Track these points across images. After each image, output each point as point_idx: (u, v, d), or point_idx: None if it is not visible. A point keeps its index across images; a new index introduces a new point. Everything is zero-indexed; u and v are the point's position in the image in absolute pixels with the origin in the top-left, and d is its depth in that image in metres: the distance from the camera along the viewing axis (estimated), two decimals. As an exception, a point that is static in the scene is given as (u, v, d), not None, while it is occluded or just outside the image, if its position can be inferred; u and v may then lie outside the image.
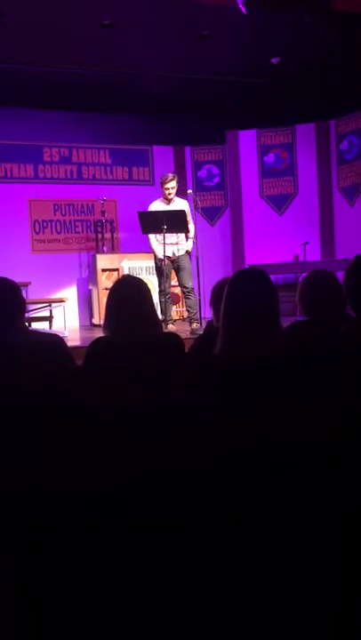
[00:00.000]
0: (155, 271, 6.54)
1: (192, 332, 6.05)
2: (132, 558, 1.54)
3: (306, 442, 1.58)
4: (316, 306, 2.55)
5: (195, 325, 6.23)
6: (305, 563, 1.51)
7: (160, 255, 6.20)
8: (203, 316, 6.30)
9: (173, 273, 6.45)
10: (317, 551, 1.52)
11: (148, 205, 6.52)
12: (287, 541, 1.51)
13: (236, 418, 1.59)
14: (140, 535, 1.54)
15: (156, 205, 6.34)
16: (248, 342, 1.77)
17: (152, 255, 6.99)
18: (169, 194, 6.23)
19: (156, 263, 6.37)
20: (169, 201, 6.29)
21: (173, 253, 6.25)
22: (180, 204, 6.27)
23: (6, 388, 2.05)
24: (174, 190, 6.27)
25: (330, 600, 1.49)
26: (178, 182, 6.40)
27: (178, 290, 7.13)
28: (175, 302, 7.70)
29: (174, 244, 6.24)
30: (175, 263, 6.27)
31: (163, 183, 6.27)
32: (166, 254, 6.15)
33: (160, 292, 6.29)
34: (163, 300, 6.26)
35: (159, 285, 6.30)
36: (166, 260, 6.18)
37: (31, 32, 6.31)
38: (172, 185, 6.23)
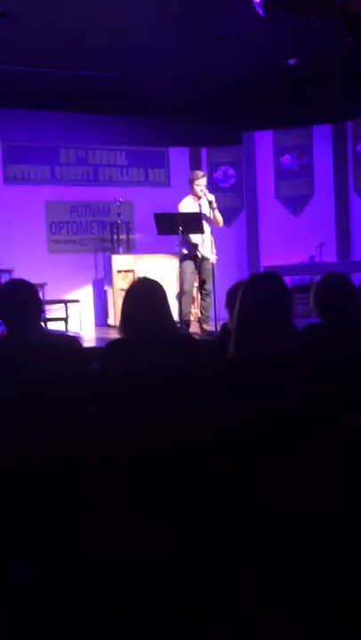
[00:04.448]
0: (176, 271, 6.55)
1: (208, 333, 6.07)
2: (141, 557, 1.55)
3: (321, 442, 1.59)
4: (328, 309, 2.54)
5: (206, 327, 6.26)
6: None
7: (196, 241, 6.18)
8: (217, 317, 6.30)
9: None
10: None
11: (163, 207, 6.54)
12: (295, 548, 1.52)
13: (248, 420, 1.60)
14: (149, 534, 1.56)
15: (188, 202, 6.33)
16: (261, 345, 1.78)
17: (167, 256, 6.97)
18: (201, 190, 6.25)
19: (183, 260, 6.32)
20: (200, 198, 6.29)
21: (202, 254, 6.25)
22: (209, 197, 6.25)
23: (23, 387, 2.08)
24: (205, 187, 6.31)
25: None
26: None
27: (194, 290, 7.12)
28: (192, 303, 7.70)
29: (205, 245, 6.24)
30: (203, 264, 6.28)
31: (195, 179, 6.29)
32: (199, 252, 6.18)
33: (184, 291, 6.28)
34: (186, 299, 6.28)
35: (184, 285, 6.29)
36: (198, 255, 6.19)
37: (47, 34, 6.35)
38: (203, 182, 6.28)
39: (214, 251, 6.31)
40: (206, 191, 6.27)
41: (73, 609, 1.57)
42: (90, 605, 1.55)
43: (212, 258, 6.26)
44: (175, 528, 1.54)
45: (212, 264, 6.26)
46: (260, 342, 1.78)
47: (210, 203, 6.19)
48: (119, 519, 1.58)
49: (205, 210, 6.22)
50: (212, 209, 6.20)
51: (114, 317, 7.75)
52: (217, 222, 6.32)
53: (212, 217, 6.25)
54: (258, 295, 1.85)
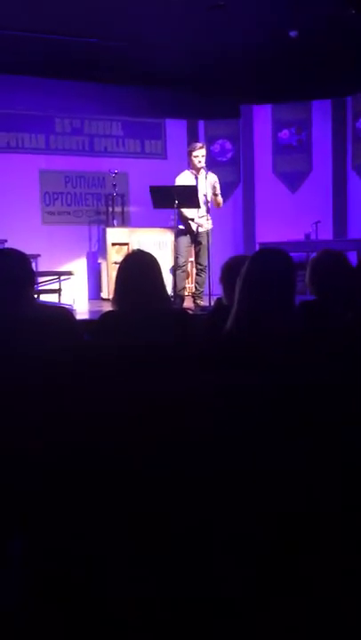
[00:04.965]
0: (171, 245, 6.51)
1: (202, 308, 6.06)
2: (133, 535, 1.55)
3: (319, 420, 1.58)
4: (324, 286, 2.54)
5: (200, 302, 6.26)
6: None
7: (192, 216, 6.11)
8: (212, 292, 6.27)
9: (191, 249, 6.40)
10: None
11: (159, 179, 6.45)
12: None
13: (245, 394, 1.59)
14: (141, 511, 1.55)
15: (185, 176, 6.23)
16: (262, 321, 1.77)
17: (162, 230, 6.90)
18: (198, 162, 6.13)
19: (178, 235, 6.26)
20: (198, 170, 6.18)
21: (197, 228, 6.20)
22: (211, 178, 6.15)
23: (13, 359, 2.05)
24: (204, 159, 6.18)
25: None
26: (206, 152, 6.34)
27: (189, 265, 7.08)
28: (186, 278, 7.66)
29: (202, 217, 6.17)
30: (199, 239, 6.23)
31: (192, 150, 6.19)
32: (195, 222, 6.12)
33: (179, 266, 6.24)
34: (181, 274, 6.25)
35: (179, 259, 6.24)
36: (195, 229, 6.12)
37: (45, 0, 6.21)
38: (201, 153, 6.15)
39: (211, 224, 6.25)
40: (206, 169, 6.14)
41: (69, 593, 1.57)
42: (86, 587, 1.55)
43: (208, 224, 6.18)
44: (170, 520, 1.53)
45: (208, 233, 6.18)
46: (261, 318, 1.77)
47: (213, 188, 6.08)
48: (110, 500, 1.57)
49: (202, 185, 6.11)
50: (215, 195, 6.12)
51: (108, 290, 7.70)
52: (217, 204, 6.24)
53: (210, 198, 6.13)
54: (265, 271, 1.83)
